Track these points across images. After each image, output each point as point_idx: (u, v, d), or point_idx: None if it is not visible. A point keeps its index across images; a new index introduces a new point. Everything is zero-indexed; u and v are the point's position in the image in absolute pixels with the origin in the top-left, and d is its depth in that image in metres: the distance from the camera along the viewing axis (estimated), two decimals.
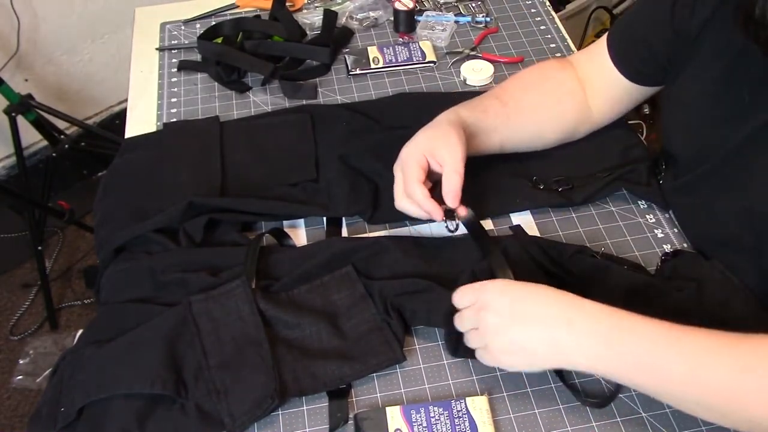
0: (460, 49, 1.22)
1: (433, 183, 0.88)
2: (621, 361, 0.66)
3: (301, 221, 0.96)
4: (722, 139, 0.78)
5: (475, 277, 0.80)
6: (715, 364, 0.63)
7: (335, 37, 1.23)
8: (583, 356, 0.68)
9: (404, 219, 0.94)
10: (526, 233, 0.90)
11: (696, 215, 0.88)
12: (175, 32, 1.30)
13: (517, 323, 0.70)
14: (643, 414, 0.74)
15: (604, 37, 0.94)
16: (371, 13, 1.30)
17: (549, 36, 1.24)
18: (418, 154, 0.86)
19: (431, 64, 1.19)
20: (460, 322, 0.75)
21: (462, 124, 0.88)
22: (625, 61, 0.91)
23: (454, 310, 0.76)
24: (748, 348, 0.63)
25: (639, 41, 0.89)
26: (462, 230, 0.88)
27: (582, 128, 0.98)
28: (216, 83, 1.18)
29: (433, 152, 0.85)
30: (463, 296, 0.75)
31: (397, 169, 0.88)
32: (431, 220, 0.87)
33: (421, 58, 1.19)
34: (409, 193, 0.85)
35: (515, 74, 1.00)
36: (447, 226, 0.87)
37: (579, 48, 1.19)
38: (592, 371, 0.70)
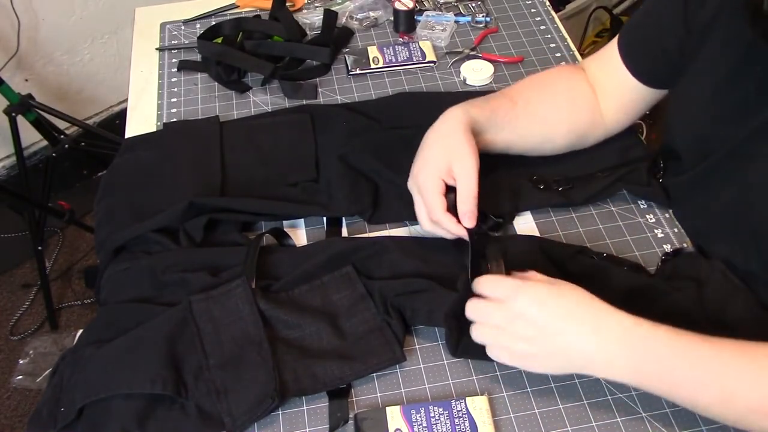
0: (460, 49, 1.22)
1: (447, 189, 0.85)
2: (642, 370, 0.67)
3: (301, 221, 0.96)
4: (726, 134, 0.78)
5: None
6: (738, 372, 0.64)
7: (335, 37, 1.23)
8: (604, 365, 0.68)
9: (404, 219, 0.94)
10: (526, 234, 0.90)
11: (696, 210, 0.88)
12: (175, 32, 1.30)
13: (548, 336, 0.69)
14: (643, 414, 0.74)
15: (614, 41, 0.92)
16: (371, 13, 1.30)
17: (549, 36, 1.24)
18: (435, 179, 0.83)
19: (431, 64, 1.19)
20: (477, 313, 0.73)
21: (471, 123, 0.87)
22: (637, 63, 0.90)
23: (469, 295, 0.74)
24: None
25: (651, 41, 0.87)
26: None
27: (594, 134, 0.96)
28: (216, 83, 1.18)
29: (448, 172, 0.83)
30: (494, 287, 0.73)
31: (414, 191, 0.86)
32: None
33: (421, 58, 1.19)
34: (435, 221, 0.84)
35: (528, 77, 0.99)
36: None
37: (579, 48, 1.19)
38: (609, 377, 0.70)
